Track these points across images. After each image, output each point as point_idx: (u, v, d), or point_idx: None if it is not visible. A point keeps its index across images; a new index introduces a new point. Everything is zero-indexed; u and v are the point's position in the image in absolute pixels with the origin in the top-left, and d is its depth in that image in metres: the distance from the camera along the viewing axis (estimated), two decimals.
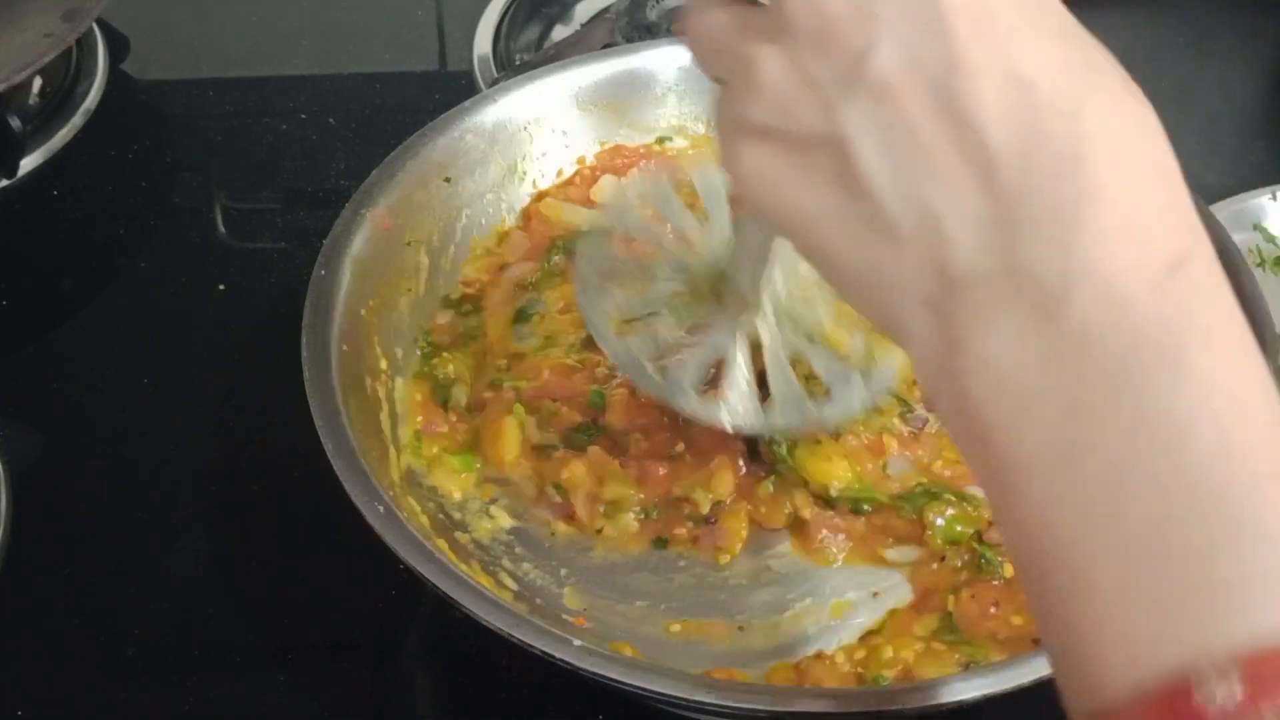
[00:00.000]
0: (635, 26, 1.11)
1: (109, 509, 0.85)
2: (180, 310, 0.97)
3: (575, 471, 0.78)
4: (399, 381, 0.81)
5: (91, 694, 0.77)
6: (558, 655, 0.63)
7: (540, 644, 0.63)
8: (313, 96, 1.13)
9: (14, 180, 1.03)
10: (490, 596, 0.66)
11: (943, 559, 0.76)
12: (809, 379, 0.77)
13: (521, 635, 0.63)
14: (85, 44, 1.13)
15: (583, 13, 1.21)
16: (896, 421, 0.81)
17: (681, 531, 0.77)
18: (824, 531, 0.77)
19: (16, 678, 0.77)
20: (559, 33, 1.19)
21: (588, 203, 0.91)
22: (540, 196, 0.91)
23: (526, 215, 0.90)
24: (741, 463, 0.79)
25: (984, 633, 0.72)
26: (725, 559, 0.76)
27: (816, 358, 0.77)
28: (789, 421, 0.75)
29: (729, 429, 0.75)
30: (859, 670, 0.71)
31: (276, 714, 0.76)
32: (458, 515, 0.78)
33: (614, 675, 0.63)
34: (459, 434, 0.81)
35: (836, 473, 0.78)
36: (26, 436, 0.88)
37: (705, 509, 0.77)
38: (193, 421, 0.89)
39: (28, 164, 1.04)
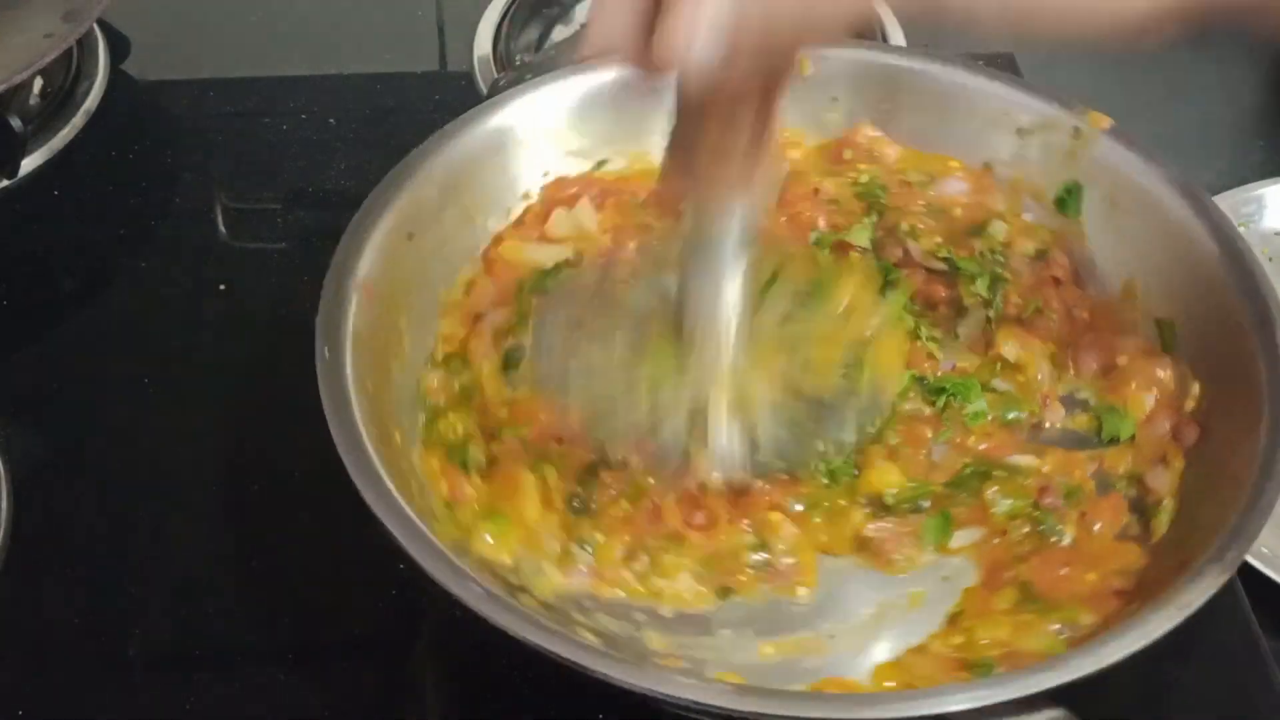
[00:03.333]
0: None
1: (109, 509, 0.85)
2: (180, 310, 0.97)
3: (607, 548, 0.76)
4: (415, 452, 0.78)
5: (91, 694, 0.76)
6: (562, 654, 0.63)
7: (540, 640, 0.63)
8: (313, 96, 1.13)
9: (15, 180, 1.03)
10: (509, 603, 0.66)
11: (1004, 533, 0.76)
12: (792, 424, 0.76)
13: (534, 638, 0.63)
14: (86, 44, 1.13)
15: (583, 13, 1.21)
16: (920, 406, 0.81)
17: (744, 578, 0.76)
18: (890, 542, 0.77)
19: (16, 678, 0.77)
20: (559, 33, 1.19)
21: (545, 239, 0.89)
22: (498, 240, 0.88)
23: (488, 260, 0.88)
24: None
25: (1066, 595, 0.72)
26: (803, 591, 0.76)
27: (800, 405, 0.76)
28: (776, 464, 0.75)
29: (720, 478, 0.74)
30: (962, 656, 0.71)
31: (277, 714, 0.76)
32: (514, 579, 0.75)
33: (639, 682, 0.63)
34: (485, 496, 0.78)
35: (889, 479, 0.78)
36: (26, 436, 0.88)
37: (767, 557, 0.76)
38: (193, 422, 0.89)
39: (28, 164, 1.04)
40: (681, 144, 0.67)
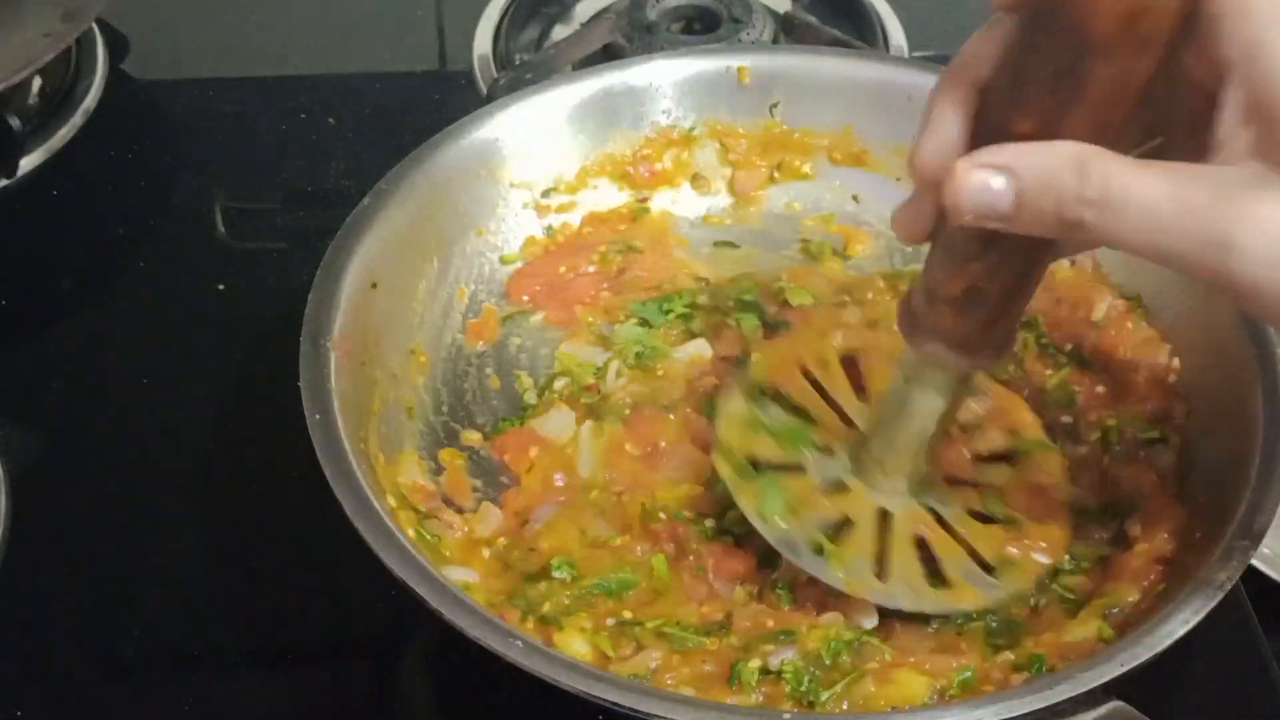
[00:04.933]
0: (635, 26, 1.11)
1: (108, 509, 0.84)
2: (180, 310, 0.97)
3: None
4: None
5: (91, 694, 0.77)
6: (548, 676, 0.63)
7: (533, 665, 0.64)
8: (313, 96, 1.13)
9: (14, 180, 1.03)
10: (488, 616, 0.66)
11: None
12: (933, 570, 0.74)
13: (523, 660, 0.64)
14: (85, 44, 1.13)
15: (583, 12, 1.21)
16: None
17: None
18: None
19: (16, 678, 0.77)
20: (559, 32, 1.19)
21: None
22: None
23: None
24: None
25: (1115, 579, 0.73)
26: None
27: (948, 555, 0.74)
28: (898, 600, 0.72)
29: (843, 588, 0.72)
30: (1013, 659, 0.71)
31: (276, 714, 0.76)
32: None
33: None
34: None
35: None
36: (26, 436, 0.88)
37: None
38: (192, 422, 0.89)
39: (27, 164, 1.04)
40: (921, 289, 0.67)
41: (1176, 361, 0.81)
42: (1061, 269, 0.87)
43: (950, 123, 0.61)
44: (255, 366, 0.91)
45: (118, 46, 1.15)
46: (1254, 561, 0.86)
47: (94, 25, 1.12)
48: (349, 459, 0.71)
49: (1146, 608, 0.70)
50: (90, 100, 1.09)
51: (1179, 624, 0.64)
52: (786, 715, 0.66)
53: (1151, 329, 0.84)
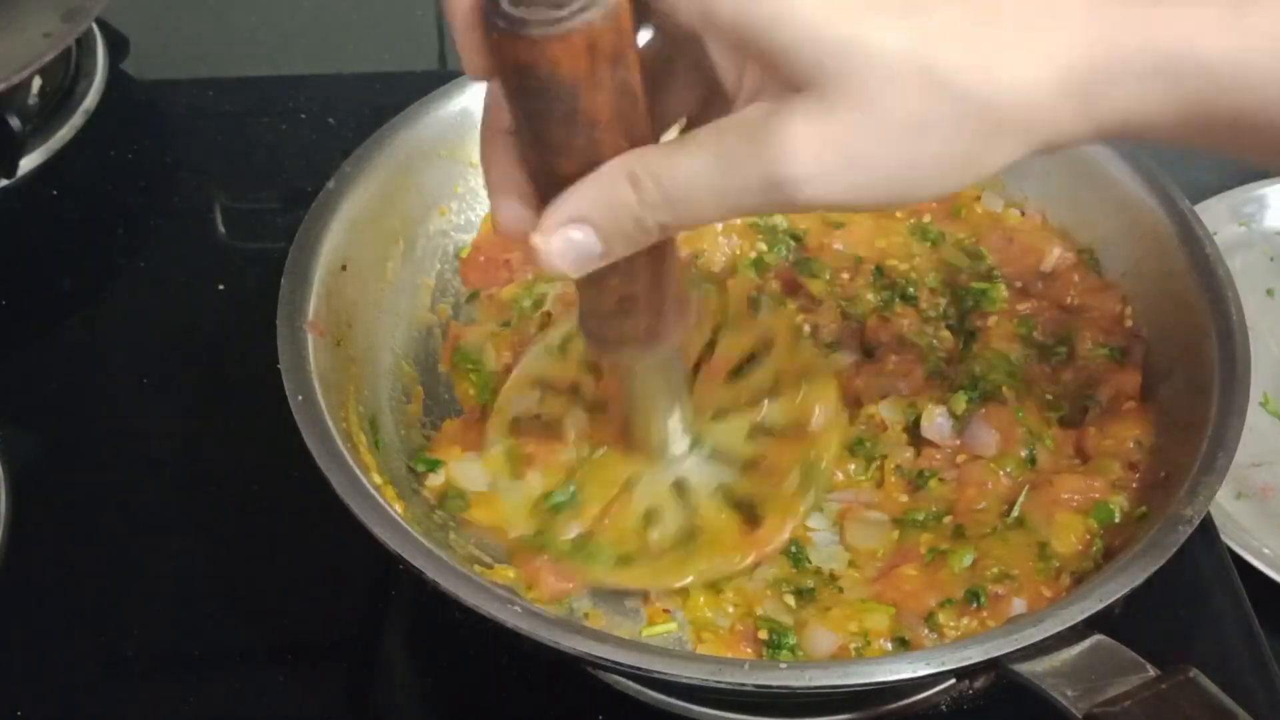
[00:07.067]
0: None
1: (108, 509, 0.85)
2: (180, 310, 0.97)
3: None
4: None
5: (91, 694, 0.77)
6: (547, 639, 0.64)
7: (539, 631, 0.64)
8: (313, 96, 1.13)
9: (14, 180, 1.03)
10: (486, 585, 0.66)
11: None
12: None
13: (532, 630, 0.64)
14: (85, 44, 1.13)
15: None
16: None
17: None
18: None
19: (16, 678, 0.77)
20: None
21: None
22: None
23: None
24: None
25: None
26: None
27: (759, 485, 0.76)
28: (709, 573, 0.75)
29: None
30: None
31: (276, 713, 0.76)
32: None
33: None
34: None
35: None
36: (26, 436, 0.88)
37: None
38: (192, 422, 0.89)
39: (27, 164, 1.04)
40: (586, 313, 0.68)
41: (1129, 310, 0.83)
42: (1012, 216, 0.90)
43: (509, 181, 0.61)
44: (255, 367, 0.91)
45: (118, 46, 1.15)
46: (1254, 561, 0.86)
47: (94, 25, 1.12)
48: (334, 439, 0.71)
49: (1127, 536, 0.72)
50: (90, 100, 1.09)
51: (1152, 559, 0.67)
52: (746, 664, 0.67)
53: (1102, 280, 0.86)
